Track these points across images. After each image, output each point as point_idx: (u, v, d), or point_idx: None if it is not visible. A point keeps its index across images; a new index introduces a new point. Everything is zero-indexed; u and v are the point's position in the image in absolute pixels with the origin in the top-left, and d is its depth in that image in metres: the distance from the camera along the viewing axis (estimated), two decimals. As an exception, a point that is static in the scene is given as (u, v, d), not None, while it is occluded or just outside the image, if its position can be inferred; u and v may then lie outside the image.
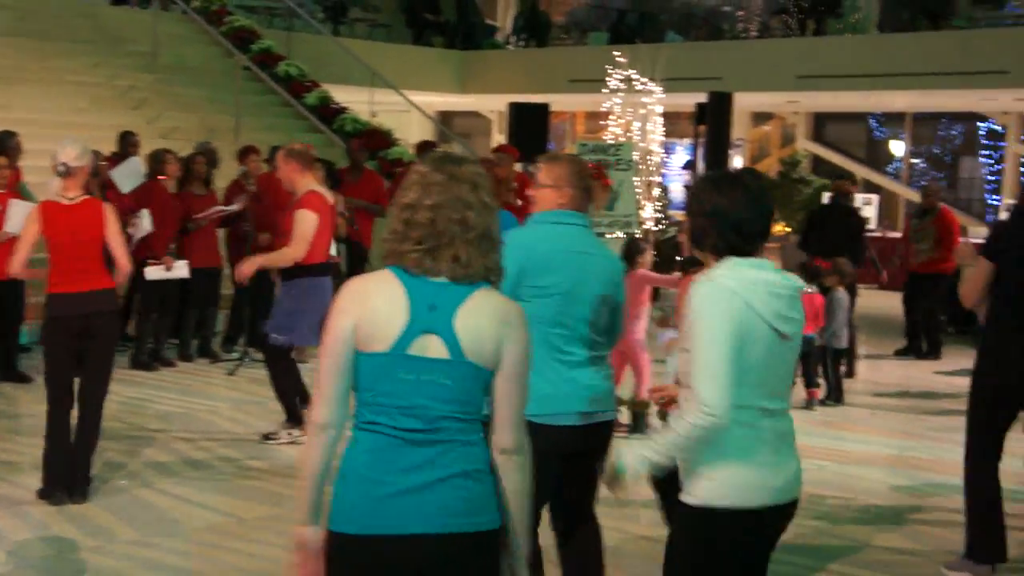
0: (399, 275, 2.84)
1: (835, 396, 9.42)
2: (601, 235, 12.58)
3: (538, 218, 4.12)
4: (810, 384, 9.21)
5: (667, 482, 4.12)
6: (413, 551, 2.77)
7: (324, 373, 2.85)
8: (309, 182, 7.28)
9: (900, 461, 7.69)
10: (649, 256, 8.23)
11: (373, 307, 2.81)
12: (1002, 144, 22.44)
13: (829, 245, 10.34)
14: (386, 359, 2.79)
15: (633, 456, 3.19)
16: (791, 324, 3.20)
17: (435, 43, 23.53)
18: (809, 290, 9.13)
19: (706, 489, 3.19)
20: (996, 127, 22.62)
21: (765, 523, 3.24)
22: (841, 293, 9.58)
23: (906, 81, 18.30)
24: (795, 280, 3.26)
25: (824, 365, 9.40)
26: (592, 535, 4.23)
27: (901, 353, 12.09)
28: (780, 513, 3.27)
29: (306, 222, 7.11)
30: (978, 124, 22.95)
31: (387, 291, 2.82)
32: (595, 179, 4.20)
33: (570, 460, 4.09)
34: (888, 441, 8.28)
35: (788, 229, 20.68)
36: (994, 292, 5.07)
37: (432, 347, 2.78)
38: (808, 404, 9.10)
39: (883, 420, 9.02)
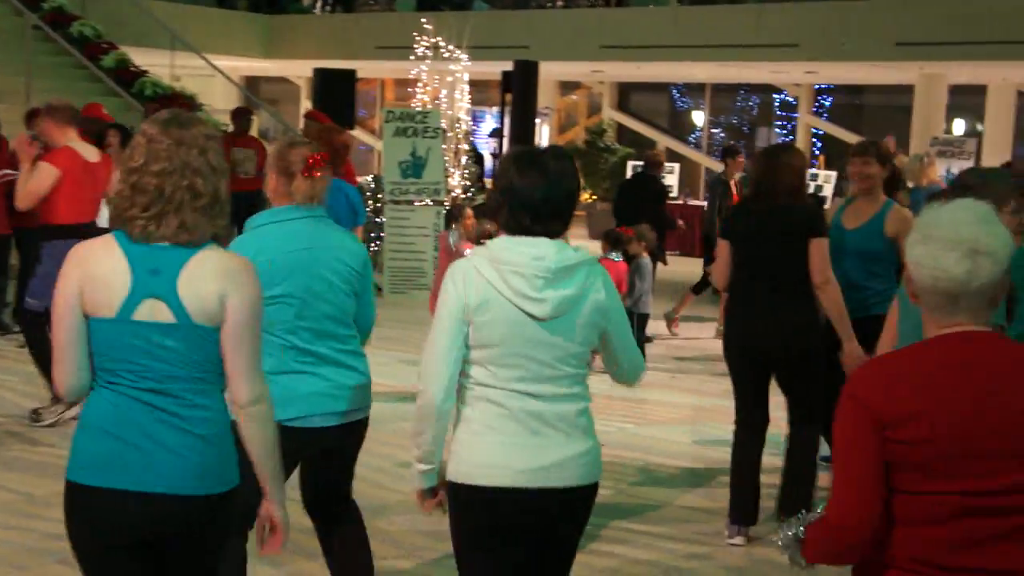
0: (120, 240, 2.84)
1: (638, 359, 9.61)
2: (409, 202, 12.58)
3: (258, 220, 3.91)
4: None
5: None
6: (143, 508, 2.81)
7: (59, 342, 2.86)
8: (70, 138, 7.06)
9: (700, 421, 7.95)
10: (470, 221, 8.25)
11: (94, 273, 2.81)
12: (794, 115, 23.37)
13: (636, 214, 10.66)
14: (113, 325, 2.80)
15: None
16: (541, 305, 3.07)
17: (240, 6, 22.96)
18: (614, 258, 9.33)
19: (452, 464, 3.18)
20: (789, 98, 23.54)
21: (522, 505, 3.13)
22: (646, 259, 9.79)
23: (705, 53, 18.84)
24: (563, 261, 3.11)
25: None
26: (351, 516, 4.16)
27: None
28: (550, 498, 3.14)
29: (40, 175, 6.86)
30: (773, 96, 23.83)
31: (108, 256, 2.82)
32: (301, 167, 3.92)
33: (324, 456, 4.00)
34: (689, 402, 8.55)
35: (594, 197, 21.07)
36: (732, 267, 5.56)
37: (158, 312, 2.79)
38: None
39: (684, 382, 9.29)
